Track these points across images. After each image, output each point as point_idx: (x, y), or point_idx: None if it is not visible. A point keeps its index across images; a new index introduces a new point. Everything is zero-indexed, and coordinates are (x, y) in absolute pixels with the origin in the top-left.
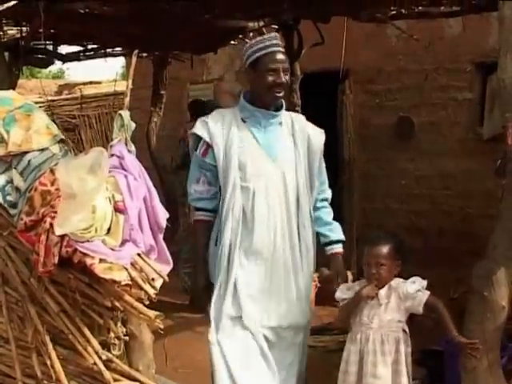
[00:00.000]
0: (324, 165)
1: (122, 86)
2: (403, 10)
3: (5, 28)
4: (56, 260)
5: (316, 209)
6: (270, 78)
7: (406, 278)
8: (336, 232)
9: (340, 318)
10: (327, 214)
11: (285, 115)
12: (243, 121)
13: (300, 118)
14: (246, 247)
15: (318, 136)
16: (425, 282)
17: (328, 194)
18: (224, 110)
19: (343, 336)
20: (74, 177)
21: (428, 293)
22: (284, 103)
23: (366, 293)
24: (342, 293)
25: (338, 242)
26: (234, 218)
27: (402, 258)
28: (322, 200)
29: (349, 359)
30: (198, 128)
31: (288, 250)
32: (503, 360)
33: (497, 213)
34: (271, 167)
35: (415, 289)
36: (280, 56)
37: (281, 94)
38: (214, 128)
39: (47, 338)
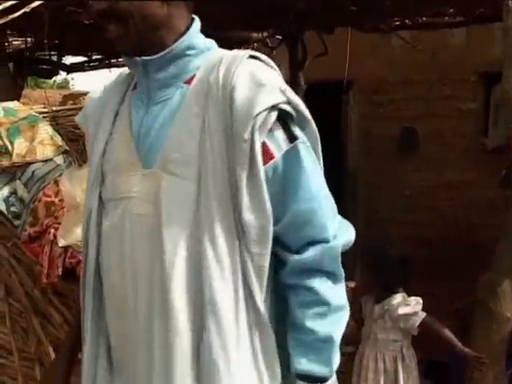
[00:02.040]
0: (302, 172)
1: None
2: (407, 21)
3: (9, 39)
4: (60, 271)
5: (287, 289)
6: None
7: (410, 290)
8: (309, 357)
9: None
10: (305, 306)
11: (204, 60)
12: (135, 87)
13: (232, 60)
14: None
15: (253, 93)
16: (419, 306)
17: (310, 254)
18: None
19: (346, 347)
20: (78, 188)
21: (423, 315)
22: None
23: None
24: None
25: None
26: (87, 284)
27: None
28: (300, 270)
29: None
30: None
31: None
32: (510, 371)
33: (501, 223)
34: (139, 180)
35: (406, 312)
36: None
37: (117, 33)
38: (92, 107)
39: (50, 350)
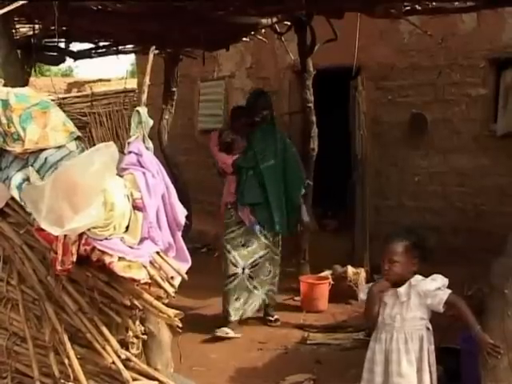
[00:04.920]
0: None
1: (131, 84)
2: (417, 6)
3: (17, 26)
4: (74, 258)
5: None
6: None
7: (424, 276)
8: None
9: (365, 318)
10: None
11: None
12: None
13: None
14: None
15: None
16: (446, 281)
17: None
18: None
19: (357, 334)
20: (80, 171)
21: (449, 291)
22: None
23: (377, 289)
24: (364, 294)
25: None
26: None
27: (420, 255)
28: None
29: (374, 358)
30: None
31: None
32: None
33: (511, 209)
34: None
35: (435, 286)
36: None
37: None
38: None
39: (65, 337)
